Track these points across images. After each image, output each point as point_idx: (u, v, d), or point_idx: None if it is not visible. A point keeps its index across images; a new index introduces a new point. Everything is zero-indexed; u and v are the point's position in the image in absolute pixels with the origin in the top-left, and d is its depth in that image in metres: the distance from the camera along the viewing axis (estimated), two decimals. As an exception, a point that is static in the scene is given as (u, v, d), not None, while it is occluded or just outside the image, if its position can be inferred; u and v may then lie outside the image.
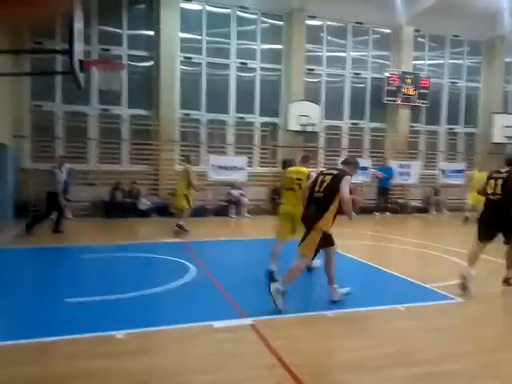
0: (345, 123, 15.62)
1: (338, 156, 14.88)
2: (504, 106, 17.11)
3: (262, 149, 14.59)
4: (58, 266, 6.78)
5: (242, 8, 14.11)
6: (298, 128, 14.06)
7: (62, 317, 4.41)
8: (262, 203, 14.20)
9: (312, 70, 15.03)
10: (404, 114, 15.80)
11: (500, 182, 5.55)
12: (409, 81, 15.54)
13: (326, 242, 4.87)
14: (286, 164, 14.16)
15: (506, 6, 14.75)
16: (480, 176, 12.73)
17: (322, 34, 15.15)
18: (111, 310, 4.59)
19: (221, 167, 13.40)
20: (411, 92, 15.62)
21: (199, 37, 13.91)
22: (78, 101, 12.73)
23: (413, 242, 9.18)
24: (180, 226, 9.82)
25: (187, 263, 6.67)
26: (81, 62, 7.29)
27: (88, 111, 13.03)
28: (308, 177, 5.94)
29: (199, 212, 12.92)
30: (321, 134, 14.91)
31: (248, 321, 4.29)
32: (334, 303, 4.87)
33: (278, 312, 4.48)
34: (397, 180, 15.15)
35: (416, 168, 15.58)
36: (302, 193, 5.38)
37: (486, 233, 5.68)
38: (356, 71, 15.61)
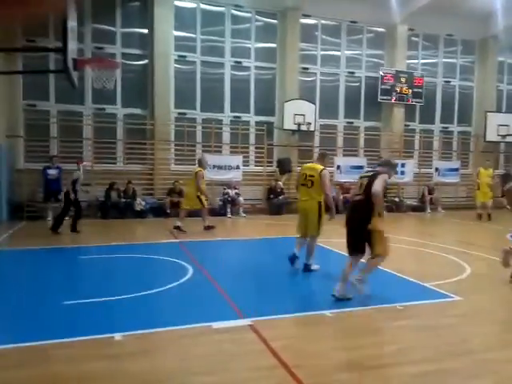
0: (340, 122, 15.64)
1: (334, 155, 14.96)
2: (498, 104, 17.23)
3: (258, 148, 14.57)
4: (56, 268, 6.74)
5: (237, 6, 14.08)
6: (294, 127, 14.07)
7: (61, 319, 4.38)
8: (258, 202, 14.20)
9: (307, 68, 15.04)
10: (399, 113, 15.86)
11: None
12: (403, 80, 15.61)
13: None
14: (282, 163, 14.38)
15: (499, 5, 14.84)
16: (486, 174, 13.01)
17: (316, 33, 15.16)
18: (110, 312, 4.57)
19: (216, 166, 13.37)
20: (405, 91, 15.68)
21: (193, 35, 13.86)
22: (72, 100, 12.64)
23: (409, 240, 9.21)
24: (177, 227, 9.92)
25: (185, 264, 6.65)
26: (74, 60, 7.22)
27: (82, 110, 12.96)
28: (321, 174, 6.10)
29: (195, 212, 12.88)
30: (316, 132, 14.92)
31: (247, 321, 4.28)
32: (334, 302, 4.87)
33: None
34: (392, 178, 15.19)
35: (411, 166, 15.65)
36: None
37: None
38: (350, 70, 15.64)
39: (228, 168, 13.45)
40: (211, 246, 8.75)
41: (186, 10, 13.78)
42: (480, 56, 17.04)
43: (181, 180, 13.12)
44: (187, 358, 3.56)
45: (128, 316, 4.47)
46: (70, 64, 6.92)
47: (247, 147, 14.49)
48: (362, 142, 15.80)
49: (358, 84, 15.78)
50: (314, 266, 6.39)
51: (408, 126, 16.27)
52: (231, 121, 14.36)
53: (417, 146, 16.52)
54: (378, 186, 4.82)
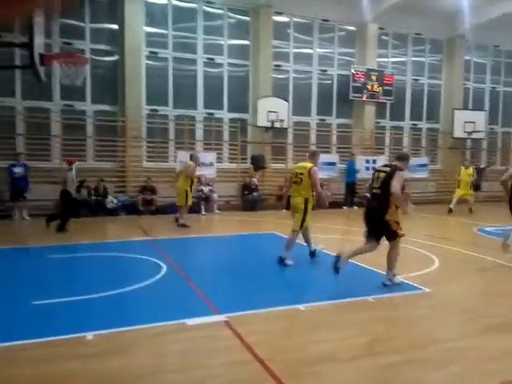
0: (312, 119, 15.78)
1: (307, 152, 15.07)
2: (464, 102, 17.75)
3: (231, 145, 14.55)
4: (24, 268, 6.53)
5: (208, 3, 13.98)
6: (267, 124, 14.11)
7: (29, 320, 4.26)
8: (232, 199, 14.19)
9: (279, 66, 15.10)
10: (370, 110, 16.12)
11: None
12: (374, 78, 15.86)
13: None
14: (256, 160, 14.40)
15: (466, 5, 15.25)
16: (466, 173, 13.53)
17: (288, 31, 15.22)
18: (80, 312, 4.48)
19: (189, 164, 13.24)
20: (376, 89, 15.95)
21: (165, 31, 13.68)
22: (40, 96, 12.27)
23: (380, 235, 9.38)
24: (182, 225, 10.20)
25: (158, 261, 6.58)
26: (41, 55, 7.04)
27: (50, 107, 12.60)
28: (310, 172, 6.39)
29: (169, 209, 12.78)
30: (289, 130, 15.01)
31: (222, 317, 4.28)
32: (307, 297, 4.93)
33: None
34: (363, 175, 15.47)
35: (381, 163, 15.89)
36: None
37: None
38: (323, 68, 15.78)
39: (202, 165, 13.36)
40: (185, 244, 8.70)
41: (157, 6, 13.58)
42: (447, 55, 17.51)
43: (153, 177, 12.99)
44: (161, 356, 3.53)
45: (100, 315, 4.39)
46: (37, 59, 6.74)
47: (221, 144, 14.44)
48: (334, 139, 15.99)
49: (330, 82, 15.95)
50: (289, 262, 6.46)
51: (379, 123, 16.56)
52: (204, 118, 14.28)
53: (387, 143, 16.83)
54: (396, 187, 5.19)
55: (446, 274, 6.18)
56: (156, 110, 13.74)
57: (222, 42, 14.37)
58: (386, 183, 5.30)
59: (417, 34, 16.93)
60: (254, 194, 13.89)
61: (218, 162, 13.86)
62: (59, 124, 12.58)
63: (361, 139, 16.06)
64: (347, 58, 16.13)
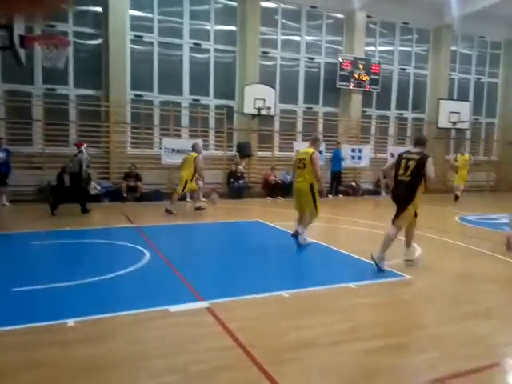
0: (299, 107, 15.74)
1: (294, 140, 15.07)
2: (449, 92, 17.88)
3: (217, 132, 14.44)
4: (4, 254, 6.43)
5: (195, -13, 13.74)
6: (254, 111, 14.03)
7: (10, 306, 4.19)
8: (218, 187, 14.12)
9: (267, 53, 14.98)
10: (356, 99, 16.13)
11: None
12: (361, 66, 15.85)
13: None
14: (242, 147, 14.33)
15: (453, -5, 15.29)
16: (463, 159, 14.30)
17: (276, 17, 15.08)
18: (62, 298, 4.43)
19: (175, 150, 13.15)
20: (363, 77, 15.94)
21: (150, 15, 13.43)
22: (21, 80, 11.99)
23: (364, 222, 9.48)
24: (198, 208, 10.74)
25: (141, 248, 6.53)
26: (22, 37, 6.85)
27: (32, 91, 12.32)
28: (312, 157, 6.63)
29: (154, 196, 12.68)
30: (276, 117, 14.95)
31: (204, 304, 4.28)
32: (290, 283, 4.95)
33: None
34: (349, 163, 15.55)
35: (367, 152, 16.04)
36: (385, 172, 6.38)
37: None
38: (310, 55, 15.71)
39: (187, 152, 13.24)
40: (169, 231, 8.65)
41: (143, -12, 13.31)
42: (434, 45, 17.57)
43: (137, 164, 12.84)
44: (142, 342, 3.52)
45: (81, 302, 4.34)
46: (17, 41, 6.56)
47: (207, 131, 14.33)
48: (320, 127, 15.99)
49: (317, 70, 15.90)
50: (304, 238, 6.71)
51: (365, 112, 16.60)
52: (190, 104, 14.13)
53: (373, 132, 16.91)
54: (432, 173, 5.45)
55: (428, 261, 6.26)
56: (141, 96, 13.54)
57: (209, 28, 14.17)
58: (417, 172, 5.43)
59: (404, 22, 16.93)
60: (240, 181, 13.86)
61: (203, 150, 13.73)
62: (41, 108, 12.31)
63: (347, 128, 16.10)
64: (335, 47, 16.06)
